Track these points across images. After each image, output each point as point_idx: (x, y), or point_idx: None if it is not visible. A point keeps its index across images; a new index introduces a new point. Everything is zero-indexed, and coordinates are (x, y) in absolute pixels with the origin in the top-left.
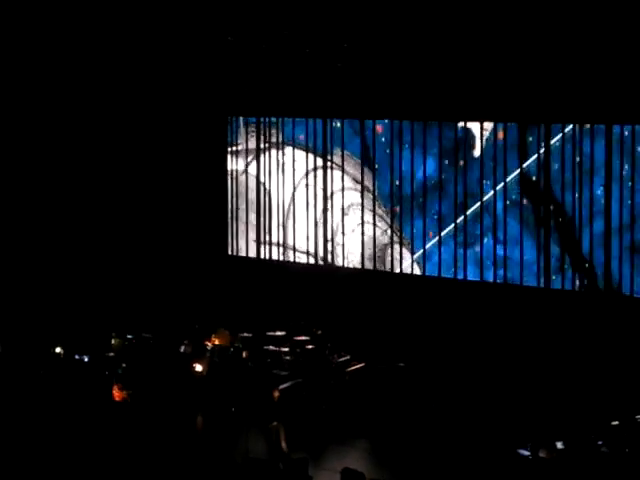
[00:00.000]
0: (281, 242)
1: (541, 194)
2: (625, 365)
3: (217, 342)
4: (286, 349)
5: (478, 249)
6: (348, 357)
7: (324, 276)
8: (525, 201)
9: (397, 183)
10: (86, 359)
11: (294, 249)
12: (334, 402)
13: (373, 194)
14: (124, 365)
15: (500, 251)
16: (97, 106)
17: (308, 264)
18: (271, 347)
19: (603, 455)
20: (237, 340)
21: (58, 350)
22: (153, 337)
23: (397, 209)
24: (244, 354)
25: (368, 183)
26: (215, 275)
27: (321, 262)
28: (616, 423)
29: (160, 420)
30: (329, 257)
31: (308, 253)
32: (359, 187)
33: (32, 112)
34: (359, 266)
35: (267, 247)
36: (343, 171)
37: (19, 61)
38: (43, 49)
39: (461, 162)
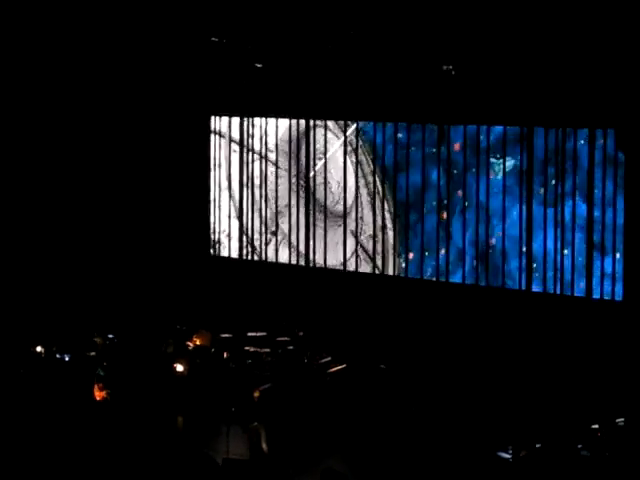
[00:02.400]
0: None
1: None
2: (606, 367)
3: (198, 342)
4: (267, 350)
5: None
6: (329, 358)
7: (306, 277)
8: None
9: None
10: (67, 358)
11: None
12: (314, 403)
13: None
14: (105, 364)
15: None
16: (76, 105)
17: (290, 264)
18: (252, 348)
19: (582, 458)
20: (218, 341)
21: (39, 349)
22: (134, 337)
23: None
24: (225, 355)
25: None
26: (197, 275)
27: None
28: (596, 426)
29: (141, 420)
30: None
31: None
32: None
33: (17, 113)
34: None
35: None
36: None
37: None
38: (28, 51)
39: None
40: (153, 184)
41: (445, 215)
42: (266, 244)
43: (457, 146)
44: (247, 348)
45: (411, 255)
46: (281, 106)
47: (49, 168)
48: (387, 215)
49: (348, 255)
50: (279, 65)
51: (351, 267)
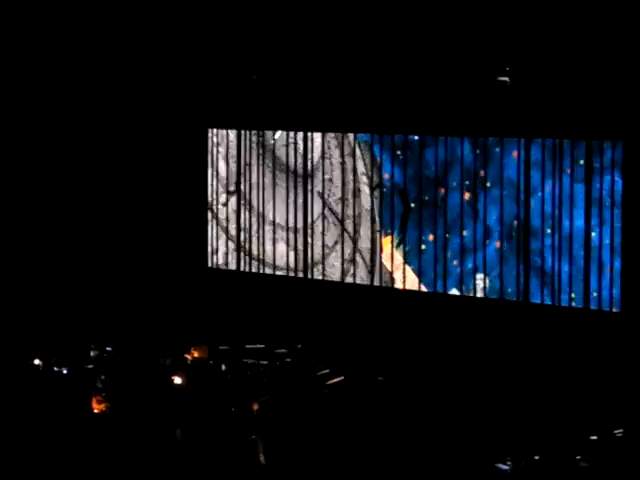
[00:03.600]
0: None
1: None
2: (605, 378)
3: (196, 355)
4: (265, 362)
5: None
6: (327, 371)
7: (304, 288)
8: None
9: None
10: (65, 371)
11: None
12: (312, 415)
13: None
14: (103, 377)
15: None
16: (72, 114)
17: (288, 276)
18: (250, 360)
19: (582, 469)
20: (216, 353)
21: (37, 362)
22: (132, 349)
23: None
24: (223, 367)
25: None
26: (194, 287)
27: None
28: (594, 438)
29: (139, 433)
30: None
31: None
32: None
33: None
34: None
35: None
36: None
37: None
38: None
39: None
40: (150, 195)
41: (468, 195)
42: (225, 205)
43: None
44: (245, 360)
45: (431, 237)
46: (279, 118)
47: (44, 180)
48: (363, 178)
49: (315, 217)
50: (276, 77)
51: (317, 229)
